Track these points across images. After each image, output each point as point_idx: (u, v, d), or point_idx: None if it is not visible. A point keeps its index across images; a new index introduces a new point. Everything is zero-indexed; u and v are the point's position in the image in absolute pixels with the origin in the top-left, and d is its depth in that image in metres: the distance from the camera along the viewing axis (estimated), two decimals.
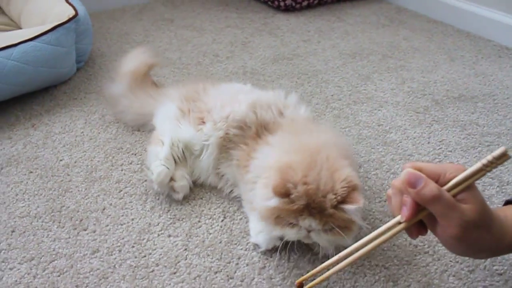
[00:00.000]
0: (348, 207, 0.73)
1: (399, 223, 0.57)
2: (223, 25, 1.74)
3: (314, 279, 0.66)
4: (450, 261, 0.86)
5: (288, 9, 1.86)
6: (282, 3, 1.82)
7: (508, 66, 1.56)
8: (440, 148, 1.15)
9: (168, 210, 0.95)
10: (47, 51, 1.21)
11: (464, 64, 1.55)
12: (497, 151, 0.50)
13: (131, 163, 1.06)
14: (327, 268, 0.63)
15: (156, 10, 1.86)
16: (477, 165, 0.52)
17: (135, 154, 1.09)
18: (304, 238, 0.79)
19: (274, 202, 0.75)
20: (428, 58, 1.59)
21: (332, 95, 1.33)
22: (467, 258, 0.87)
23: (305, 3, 1.86)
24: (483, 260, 0.86)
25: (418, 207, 0.55)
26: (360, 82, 1.41)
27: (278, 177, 0.74)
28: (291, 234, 0.78)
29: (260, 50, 1.57)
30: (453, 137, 1.19)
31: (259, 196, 0.79)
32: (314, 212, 0.74)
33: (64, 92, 1.31)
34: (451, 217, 0.53)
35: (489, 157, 0.51)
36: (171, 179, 0.96)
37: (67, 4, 1.32)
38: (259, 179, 0.82)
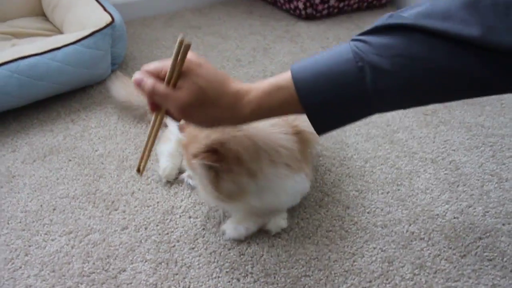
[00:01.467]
0: (194, 161, 0.79)
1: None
2: (246, 32, 1.86)
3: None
4: (444, 246, 0.94)
5: (309, 17, 1.96)
6: (303, 12, 1.92)
7: None
8: (444, 147, 1.22)
9: (189, 195, 1.06)
10: (87, 53, 1.35)
11: None
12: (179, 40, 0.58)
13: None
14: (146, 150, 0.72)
15: (184, 17, 1.99)
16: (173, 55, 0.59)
17: None
18: None
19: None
20: None
21: None
22: (460, 244, 0.94)
23: (325, 12, 1.96)
24: (475, 247, 0.94)
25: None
26: None
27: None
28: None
29: (281, 56, 1.67)
30: (457, 137, 1.27)
31: None
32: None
33: (100, 91, 1.45)
34: (169, 104, 0.60)
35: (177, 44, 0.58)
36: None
37: (105, 12, 1.46)
38: None
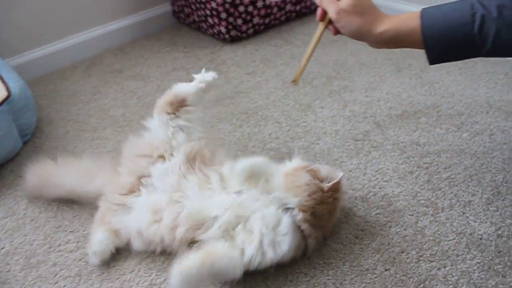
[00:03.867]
0: None
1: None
2: (169, 69, 1.75)
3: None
4: None
5: (234, 40, 1.85)
6: (227, 36, 1.81)
7: (456, 70, 1.52)
8: (376, 179, 1.13)
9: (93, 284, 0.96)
10: None
11: (410, 74, 1.52)
12: None
13: (68, 242, 1.08)
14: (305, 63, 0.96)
15: (105, 61, 1.87)
16: None
17: (73, 232, 1.11)
18: None
19: None
20: (374, 72, 1.56)
21: (269, 134, 1.32)
22: None
23: (250, 31, 1.85)
24: None
25: (324, 12, 0.89)
26: (300, 113, 1.39)
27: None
28: None
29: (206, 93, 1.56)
30: (391, 163, 1.17)
31: None
32: None
33: (11, 170, 1.34)
34: (331, 8, 0.85)
35: None
36: None
37: (1, 84, 1.35)
38: None
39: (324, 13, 0.89)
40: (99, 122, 1.49)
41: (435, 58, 0.82)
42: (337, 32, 0.90)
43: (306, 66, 0.95)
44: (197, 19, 1.93)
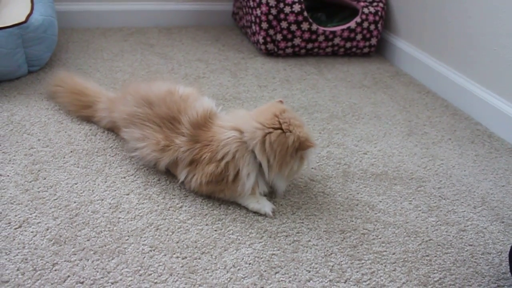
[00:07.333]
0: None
1: None
2: (194, 58, 1.74)
3: None
4: None
5: (270, 53, 1.80)
6: (262, 47, 1.77)
7: (472, 157, 1.32)
8: None
9: None
10: None
11: (418, 142, 1.35)
12: None
13: None
14: None
15: (147, 34, 1.92)
16: None
17: None
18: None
19: None
20: (382, 128, 1.40)
21: None
22: None
23: (289, 50, 1.78)
24: None
25: None
26: None
27: None
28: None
29: (205, 87, 1.53)
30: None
31: None
32: None
33: (2, 88, 1.41)
34: None
35: None
36: None
37: (27, 11, 1.44)
38: None
39: None
40: (101, 79, 1.52)
41: None
42: None
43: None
44: (245, 24, 1.91)
